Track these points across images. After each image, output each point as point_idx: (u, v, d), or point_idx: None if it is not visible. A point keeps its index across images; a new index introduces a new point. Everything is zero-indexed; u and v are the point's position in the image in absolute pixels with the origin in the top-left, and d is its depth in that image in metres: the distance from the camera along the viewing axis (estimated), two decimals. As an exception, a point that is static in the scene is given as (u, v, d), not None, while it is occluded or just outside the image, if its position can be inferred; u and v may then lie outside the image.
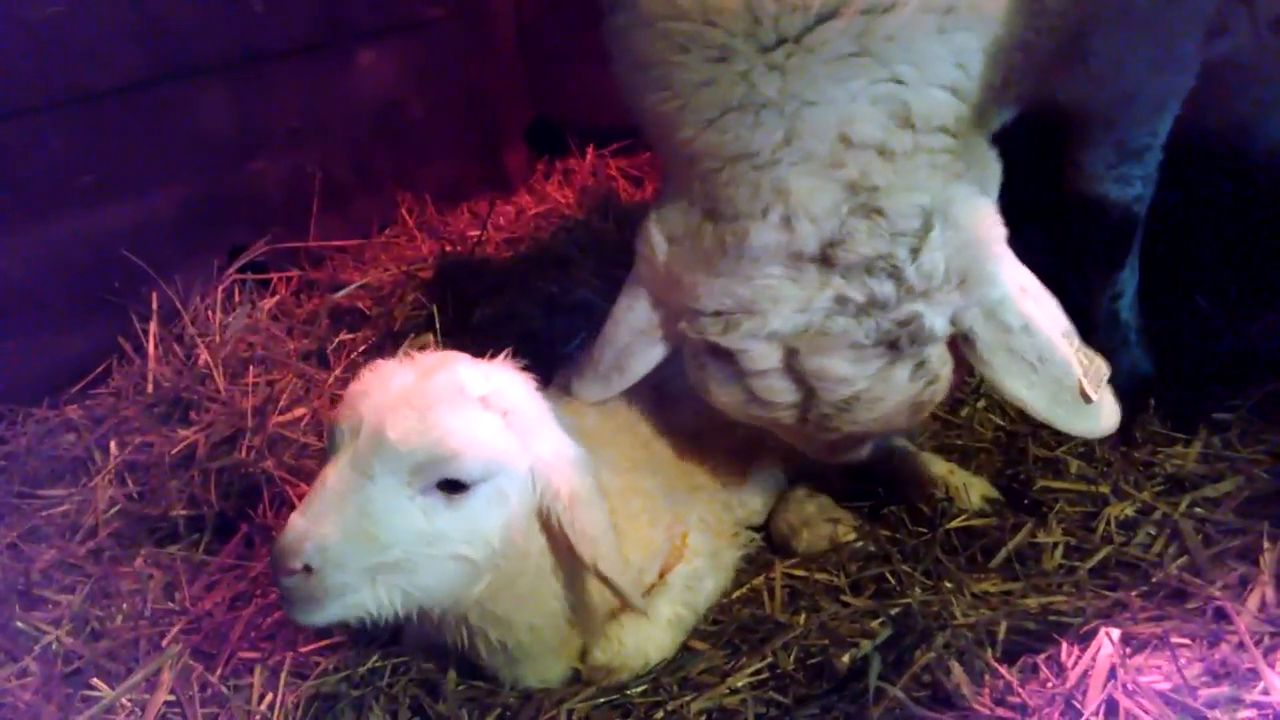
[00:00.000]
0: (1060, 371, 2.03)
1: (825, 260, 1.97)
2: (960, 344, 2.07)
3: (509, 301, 3.51)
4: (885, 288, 1.96)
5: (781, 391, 2.09)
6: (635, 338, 2.26)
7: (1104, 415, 2.08)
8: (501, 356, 1.97)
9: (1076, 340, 2.07)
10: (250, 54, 3.81)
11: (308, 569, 1.70)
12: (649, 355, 2.26)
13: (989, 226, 2.02)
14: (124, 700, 2.12)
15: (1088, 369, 2.04)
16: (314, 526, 1.71)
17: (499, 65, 4.88)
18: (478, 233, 4.14)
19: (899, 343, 2.00)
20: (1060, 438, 2.65)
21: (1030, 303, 2.03)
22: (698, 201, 2.07)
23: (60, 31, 3.19)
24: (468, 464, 1.77)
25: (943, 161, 2.01)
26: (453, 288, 3.51)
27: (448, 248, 3.95)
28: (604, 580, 1.89)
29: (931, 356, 2.06)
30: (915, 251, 1.96)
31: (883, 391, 2.04)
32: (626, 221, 4.12)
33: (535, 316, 3.47)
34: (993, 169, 2.13)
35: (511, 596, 1.91)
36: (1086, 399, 2.02)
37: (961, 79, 1.98)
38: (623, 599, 1.93)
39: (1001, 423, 2.80)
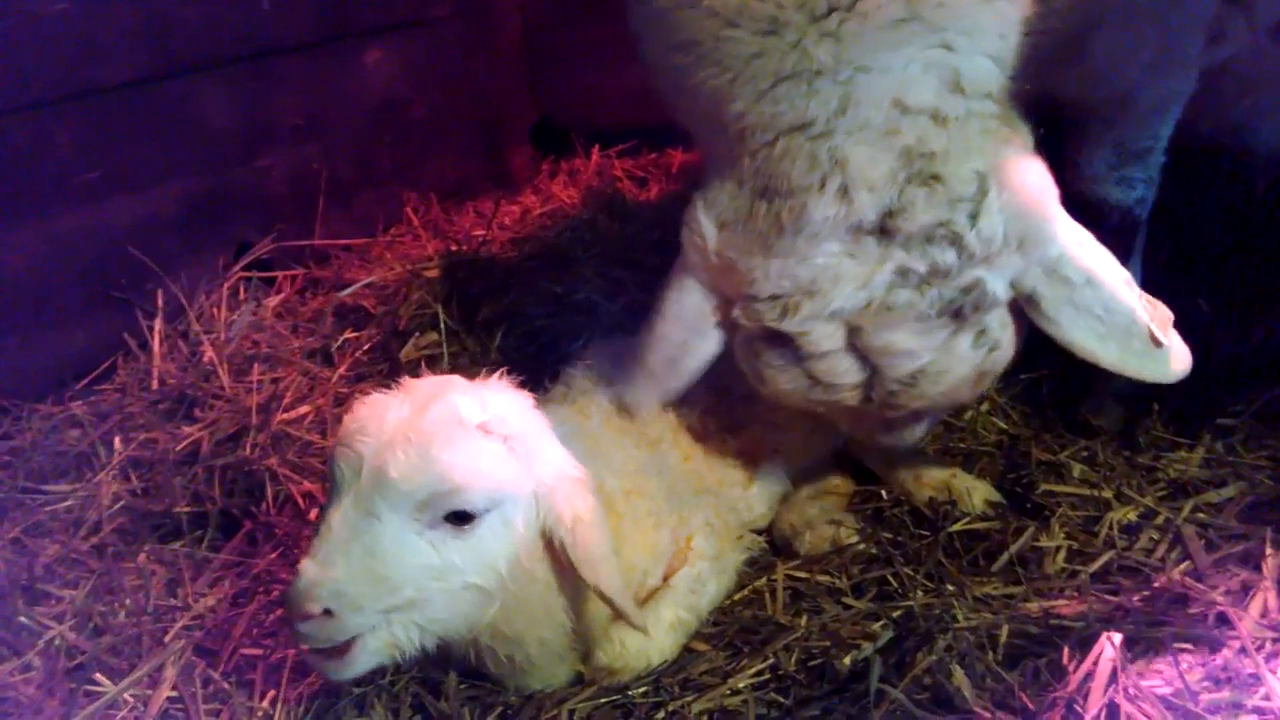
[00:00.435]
0: (1127, 320, 2.03)
1: (884, 231, 1.98)
2: (1025, 306, 2.07)
3: (514, 301, 3.52)
4: (946, 255, 1.97)
5: (845, 372, 2.07)
6: (688, 332, 2.22)
7: (1174, 359, 2.07)
8: (496, 376, 1.97)
9: (1137, 288, 2.07)
10: (256, 51, 3.82)
11: (327, 613, 1.70)
12: (704, 349, 2.23)
13: (1042, 186, 2.03)
14: (127, 696, 2.12)
15: (1153, 314, 2.05)
16: (326, 570, 1.71)
17: (504, 64, 4.89)
18: (483, 232, 4.14)
19: (962, 310, 2.00)
20: (1063, 442, 2.66)
21: (1089, 255, 2.04)
22: (748, 181, 2.05)
23: (67, 27, 3.20)
24: (473, 496, 1.77)
25: (992, 126, 2.03)
26: (458, 287, 3.51)
27: (453, 247, 3.95)
28: (605, 600, 1.89)
29: (992, 323, 2.06)
30: (974, 217, 1.97)
31: (947, 363, 2.04)
32: (631, 221, 4.14)
33: (540, 316, 3.48)
34: (1026, 134, 2.12)
35: (522, 616, 1.92)
36: (1156, 344, 2.03)
37: (1003, 49, 2.02)
38: (624, 618, 1.93)
39: (1004, 426, 2.80)
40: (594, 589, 1.88)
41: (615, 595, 1.88)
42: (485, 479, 1.78)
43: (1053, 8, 2.05)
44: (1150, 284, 2.74)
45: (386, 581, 1.74)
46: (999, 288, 2.03)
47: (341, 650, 1.76)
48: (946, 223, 1.97)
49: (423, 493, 1.74)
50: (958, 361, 2.06)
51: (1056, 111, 2.45)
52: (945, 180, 1.97)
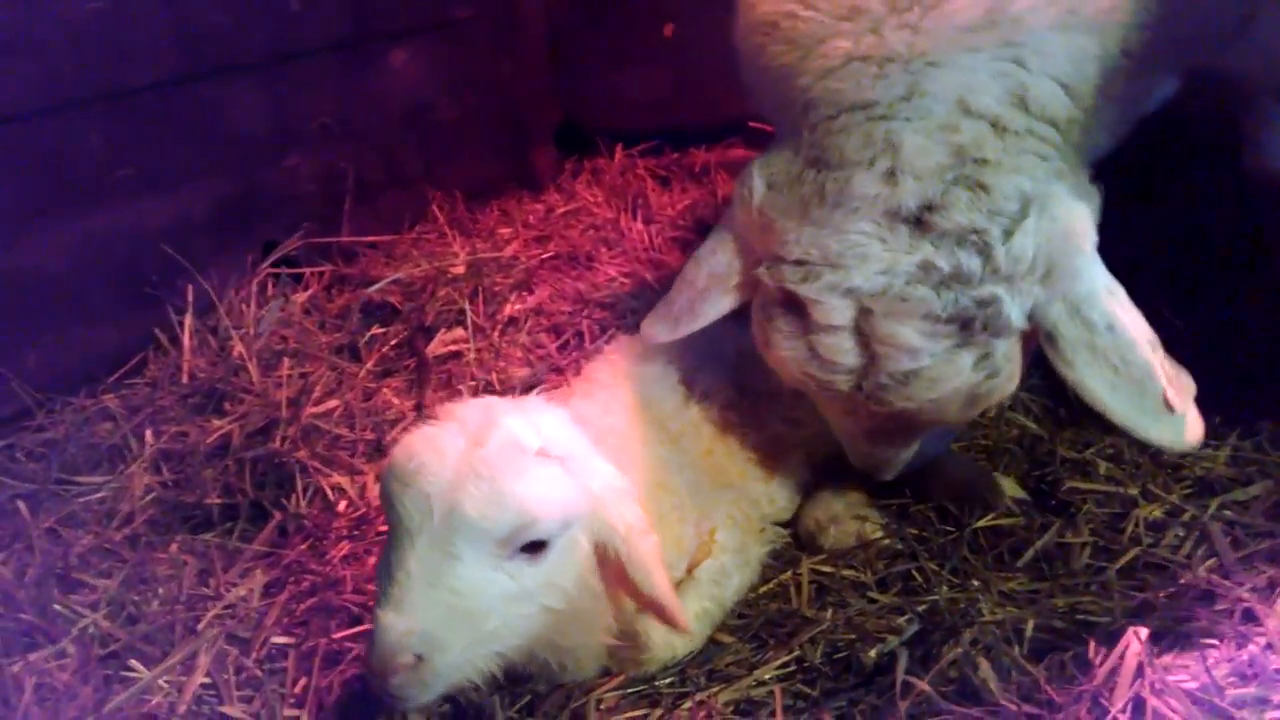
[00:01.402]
0: (1143, 375, 2.00)
1: (919, 223, 2.00)
2: (1043, 344, 2.05)
3: (538, 298, 3.55)
4: (972, 262, 1.97)
5: (845, 352, 2.08)
6: (711, 282, 2.27)
7: (1189, 428, 2.04)
8: (534, 394, 2.00)
9: (1161, 352, 2.04)
10: (284, 53, 3.86)
11: (418, 658, 1.69)
12: (720, 304, 2.27)
13: (1083, 227, 2.02)
14: (160, 682, 2.16)
15: (1173, 379, 2.02)
16: (411, 618, 1.69)
17: (529, 66, 4.92)
18: (508, 230, 4.18)
19: (973, 324, 2.00)
20: (1087, 439, 2.66)
21: (1116, 304, 2.02)
22: (804, 150, 2.12)
23: (100, 29, 3.25)
24: (548, 525, 1.78)
25: (1049, 154, 2.05)
26: (483, 284, 3.54)
27: (478, 244, 3.98)
28: (656, 606, 1.92)
29: (998, 351, 2.04)
30: (1008, 234, 1.98)
31: (943, 373, 2.03)
32: (653, 220, 4.16)
33: (564, 313, 3.51)
34: (1093, 196, 2.13)
35: (577, 627, 1.94)
36: (1170, 408, 1.99)
37: (1075, 78, 2.05)
38: (673, 622, 1.95)
39: (1027, 422, 2.80)
40: (648, 596, 1.90)
41: (667, 601, 1.91)
42: (556, 506, 1.79)
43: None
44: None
45: (471, 618, 1.73)
46: (1015, 314, 2.01)
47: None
48: (982, 231, 1.97)
49: (503, 530, 1.73)
50: (954, 375, 2.04)
51: (1229, 92, 2.48)
52: (990, 190, 1.98)
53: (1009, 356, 2.07)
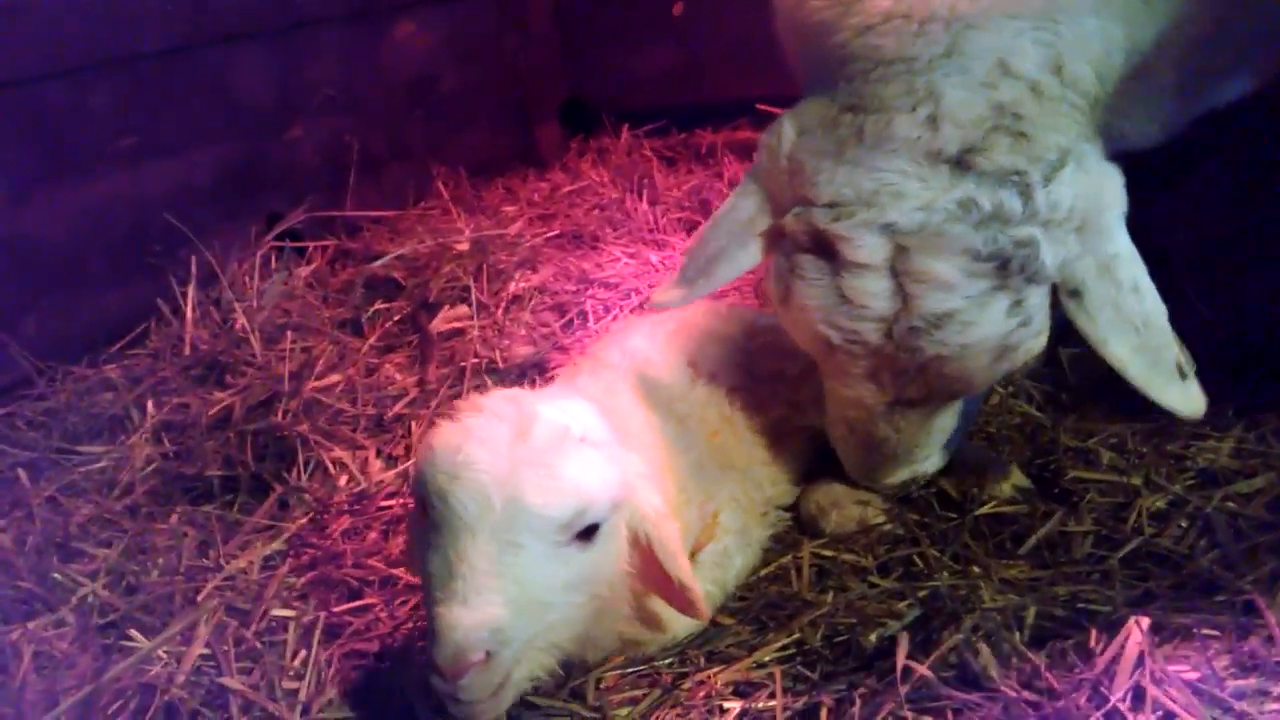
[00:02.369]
0: (1161, 340, 2.05)
1: (961, 164, 2.01)
2: (1067, 303, 2.07)
3: (542, 277, 3.53)
4: (1013, 202, 1.98)
5: (876, 295, 2.06)
6: (731, 238, 2.26)
7: (1195, 396, 2.08)
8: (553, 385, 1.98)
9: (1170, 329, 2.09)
10: (290, 22, 3.85)
11: (487, 654, 1.64)
12: (740, 258, 2.26)
13: (1114, 188, 2.06)
14: (160, 652, 2.15)
15: (1180, 351, 2.07)
16: (480, 612, 1.64)
17: (535, 41, 4.90)
18: (512, 207, 4.16)
19: (1009, 265, 2.00)
20: (1092, 429, 2.65)
21: (1140, 270, 2.06)
22: (840, 99, 2.13)
23: (107, -7, 3.23)
24: (600, 508, 1.77)
25: (1081, 120, 2.08)
26: (487, 261, 3.53)
27: (483, 222, 3.96)
28: (683, 590, 1.92)
29: (1031, 299, 2.05)
30: (1048, 179, 2.00)
31: (977, 317, 2.02)
32: (658, 201, 4.15)
33: (568, 292, 3.50)
34: (1115, 178, 2.13)
35: (609, 613, 1.94)
36: (1182, 374, 2.05)
37: (1104, 66, 2.09)
38: (693, 608, 1.95)
39: (1030, 410, 2.79)
40: (676, 580, 1.90)
41: (690, 583, 1.91)
42: (607, 490, 1.79)
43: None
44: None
45: (536, 610, 1.71)
46: (1049, 259, 2.02)
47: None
48: (1023, 173, 2.00)
49: (565, 515, 1.72)
50: (987, 320, 2.03)
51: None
52: (1031, 139, 2.02)
53: (1040, 307, 2.07)
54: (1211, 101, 2.45)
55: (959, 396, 2.23)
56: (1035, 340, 2.11)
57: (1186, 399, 2.07)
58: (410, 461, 2.74)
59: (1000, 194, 1.98)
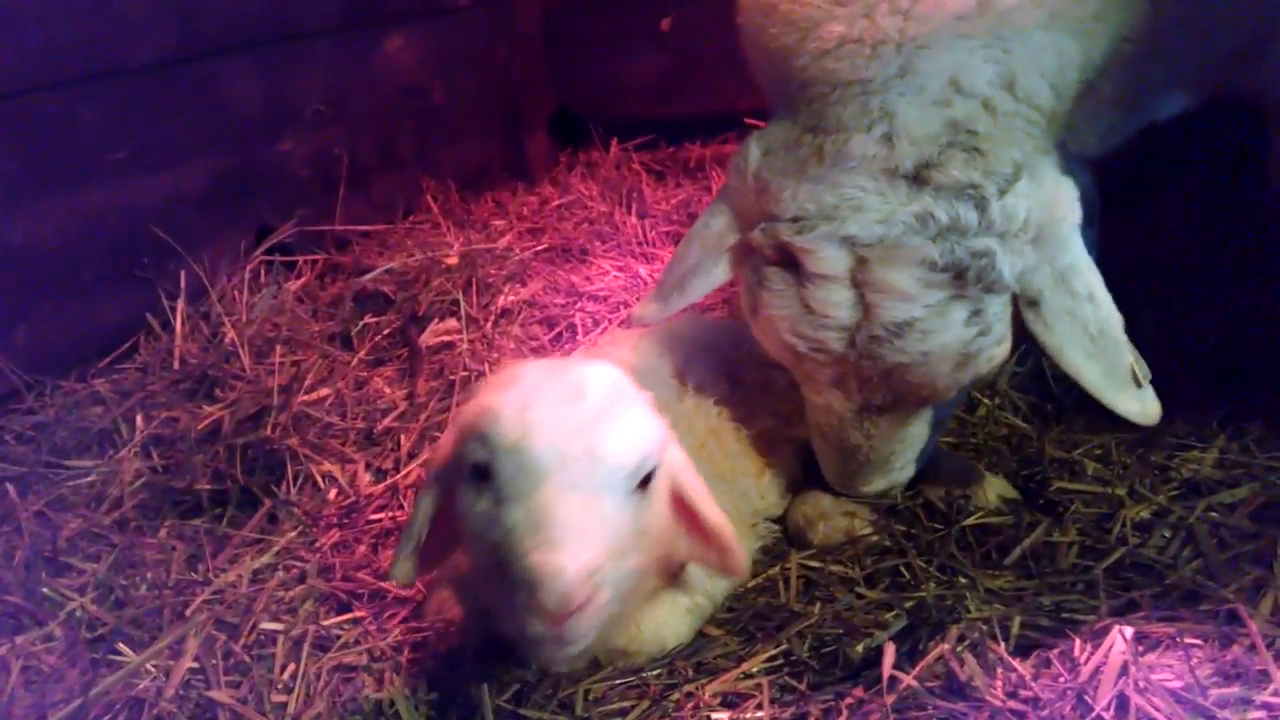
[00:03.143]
0: (1115, 349, 2.10)
1: (917, 179, 2.06)
2: (1026, 312, 2.12)
3: (531, 290, 3.55)
4: (969, 215, 2.04)
5: (838, 305, 2.11)
6: (703, 256, 2.33)
7: (1149, 403, 2.14)
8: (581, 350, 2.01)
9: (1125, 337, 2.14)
10: (281, 34, 3.86)
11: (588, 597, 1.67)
12: (712, 275, 2.33)
13: (1068, 200, 2.11)
14: (148, 666, 2.15)
15: (1135, 360, 2.12)
16: (578, 555, 1.65)
17: (524, 53, 4.92)
18: (501, 221, 4.18)
19: (966, 274, 2.05)
20: (1076, 440, 2.67)
21: (1095, 281, 2.11)
22: (802, 120, 2.20)
23: (97, 6, 3.23)
24: (655, 456, 1.83)
25: (1036, 134, 2.13)
26: (476, 275, 3.54)
27: (472, 236, 3.98)
28: (717, 536, 1.97)
29: (990, 308, 2.10)
30: (1003, 192, 2.05)
31: (937, 325, 2.07)
32: (647, 216, 4.17)
33: (557, 305, 3.51)
34: (1073, 181, 2.17)
35: (645, 577, 1.97)
36: (1137, 382, 2.11)
37: (1059, 81, 2.14)
38: (734, 556, 2.01)
39: (1016, 421, 2.82)
40: (713, 526, 1.97)
41: (725, 528, 1.98)
42: (658, 438, 1.86)
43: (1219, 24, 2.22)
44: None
45: (617, 556, 1.74)
46: (1006, 270, 2.07)
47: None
48: (978, 187, 2.05)
49: (633, 462, 1.77)
50: (946, 329, 2.09)
51: (1251, 109, 2.57)
52: (985, 154, 2.07)
53: (1000, 316, 2.12)
54: (1151, 115, 2.51)
55: (926, 404, 2.26)
56: (997, 348, 2.16)
57: (1142, 406, 2.13)
58: (400, 475, 2.75)
59: (957, 207, 2.03)
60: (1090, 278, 2.11)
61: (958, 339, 2.10)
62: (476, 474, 1.78)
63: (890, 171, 2.07)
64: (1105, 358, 2.10)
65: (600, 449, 1.74)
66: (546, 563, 1.63)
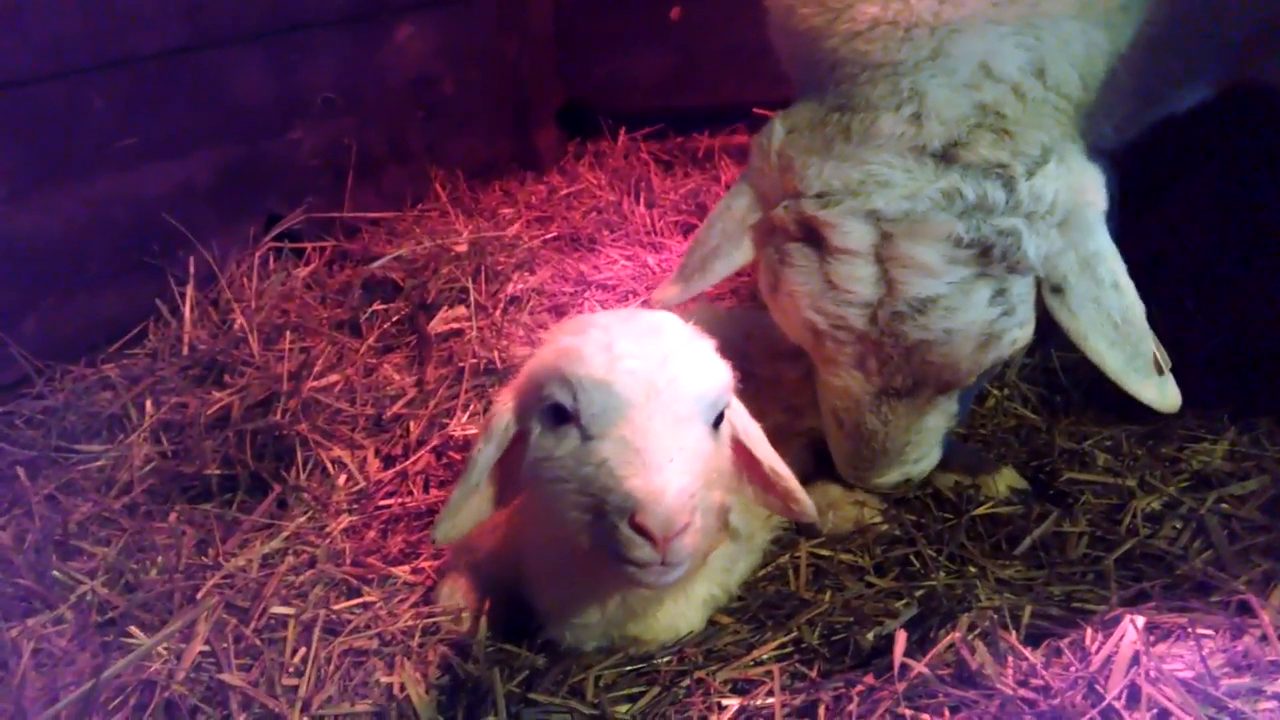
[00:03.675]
0: (1138, 335, 2.11)
1: (945, 157, 2.08)
2: (1050, 298, 2.13)
3: (540, 278, 3.55)
4: (997, 193, 2.05)
5: (861, 280, 2.12)
6: (724, 237, 2.34)
7: (1170, 391, 2.14)
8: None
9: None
10: (291, 23, 3.85)
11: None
12: (734, 255, 2.33)
13: (1095, 186, 2.12)
14: (159, 649, 2.15)
15: (1157, 348, 2.13)
16: (677, 478, 1.68)
17: (534, 44, 4.91)
18: (510, 210, 4.18)
19: (991, 252, 2.06)
20: (1086, 431, 2.67)
21: (1119, 268, 2.12)
22: (829, 100, 2.21)
23: (107, -5, 3.24)
24: (727, 393, 1.87)
25: (1064, 121, 2.14)
26: (485, 263, 3.54)
27: (481, 224, 3.98)
28: (778, 479, 2.02)
29: (1014, 288, 2.10)
30: (1031, 173, 2.06)
31: (960, 303, 2.08)
32: (655, 205, 4.16)
33: (565, 294, 3.51)
34: (1096, 176, 2.18)
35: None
36: (1159, 370, 2.11)
37: (1088, 70, 2.16)
38: (796, 497, 2.04)
39: (1025, 412, 2.82)
40: (774, 470, 2.02)
41: (788, 473, 2.02)
42: (729, 379, 1.89)
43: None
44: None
45: (707, 482, 1.77)
46: (1032, 251, 2.08)
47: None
48: (1006, 166, 2.06)
49: (713, 393, 1.81)
50: (970, 307, 2.09)
51: (1265, 100, 2.60)
52: (1014, 136, 2.08)
53: (1024, 298, 2.12)
54: (1168, 107, 2.51)
55: (947, 388, 2.25)
56: (1020, 330, 2.16)
57: (1163, 394, 2.15)
58: (409, 461, 2.75)
59: (984, 185, 2.04)
60: (1114, 264, 2.11)
61: (981, 318, 2.10)
62: (556, 416, 1.79)
63: (918, 149, 2.08)
64: (1128, 345, 2.11)
65: (683, 379, 1.77)
66: (648, 487, 1.65)
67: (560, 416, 1.79)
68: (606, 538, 1.70)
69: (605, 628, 2.07)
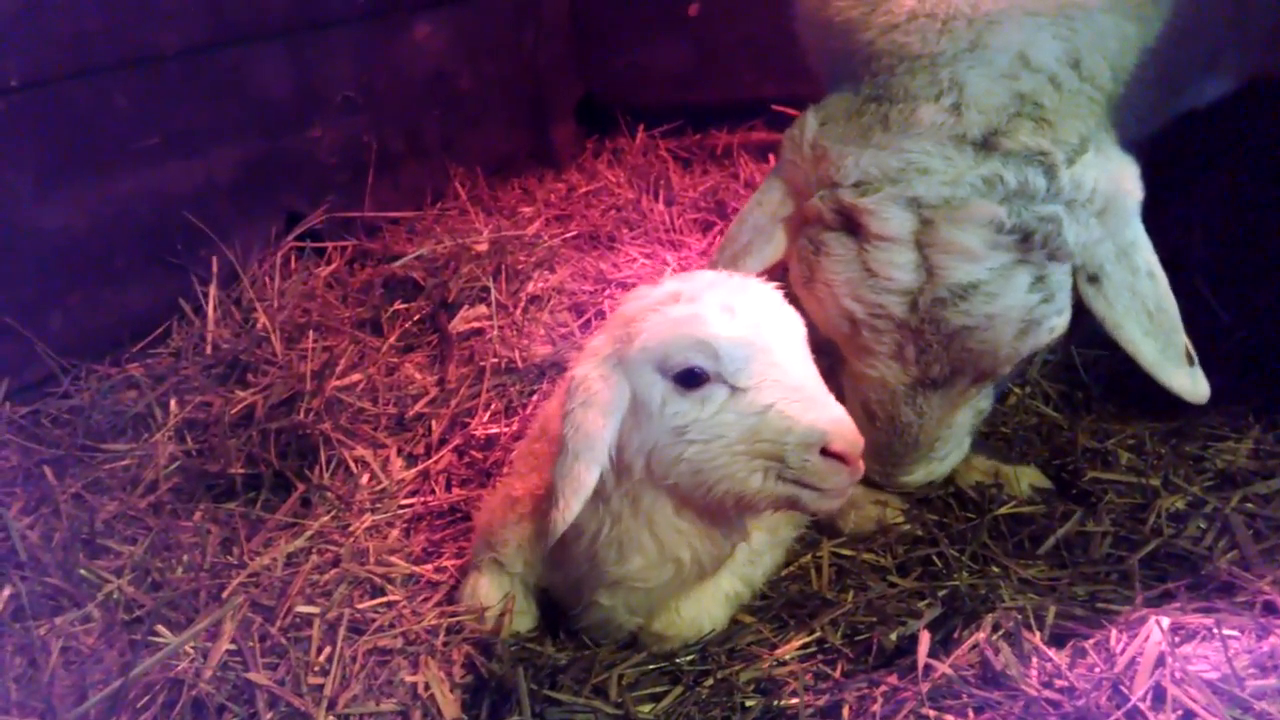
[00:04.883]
0: (1171, 326, 2.13)
1: (985, 145, 2.09)
2: (1085, 287, 2.14)
3: (560, 277, 3.55)
4: (1038, 180, 2.06)
5: (902, 267, 2.13)
6: (756, 234, 2.37)
7: (1200, 382, 2.17)
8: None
9: None
10: (310, 21, 3.86)
11: None
12: (766, 250, 2.37)
13: (1132, 176, 2.14)
14: (186, 647, 2.17)
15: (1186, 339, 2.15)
16: (838, 405, 1.81)
17: (551, 40, 4.91)
18: (529, 208, 4.18)
19: (1032, 238, 2.07)
20: (1109, 429, 2.66)
21: (1154, 258, 2.14)
22: (865, 91, 2.22)
23: (129, -7, 3.25)
24: None
25: (1098, 112, 2.15)
26: (506, 262, 3.55)
27: (500, 222, 3.99)
28: None
29: (1054, 275, 2.11)
30: (1071, 161, 2.08)
31: (1001, 289, 2.09)
32: (675, 202, 4.16)
33: (585, 292, 3.51)
34: (1132, 167, 2.19)
35: None
36: (1190, 360, 2.13)
37: (1120, 63, 2.17)
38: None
39: (1047, 410, 2.81)
40: None
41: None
42: None
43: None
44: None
45: None
46: (1072, 238, 2.09)
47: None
48: (1047, 154, 2.07)
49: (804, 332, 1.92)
50: (1011, 292, 2.10)
51: None
52: (1054, 125, 2.09)
53: (1062, 285, 2.14)
54: (1191, 100, 2.52)
55: (983, 378, 2.26)
56: (1058, 319, 2.17)
57: (1194, 384, 2.17)
58: (432, 460, 2.77)
59: (1025, 172, 2.06)
60: (1149, 255, 2.13)
61: (1021, 304, 2.11)
62: (689, 381, 1.82)
63: (958, 138, 2.09)
64: (1162, 334, 2.12)
65: (791, 321, 1.88)
66: (827, 416, 1.78)
67: (693, 381, 1.82)
68: (793, 476, 1.79)
69: (630, 621, 2.09)
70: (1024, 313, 2.12)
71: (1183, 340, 2.14)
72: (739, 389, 1.81)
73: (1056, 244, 2.08)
